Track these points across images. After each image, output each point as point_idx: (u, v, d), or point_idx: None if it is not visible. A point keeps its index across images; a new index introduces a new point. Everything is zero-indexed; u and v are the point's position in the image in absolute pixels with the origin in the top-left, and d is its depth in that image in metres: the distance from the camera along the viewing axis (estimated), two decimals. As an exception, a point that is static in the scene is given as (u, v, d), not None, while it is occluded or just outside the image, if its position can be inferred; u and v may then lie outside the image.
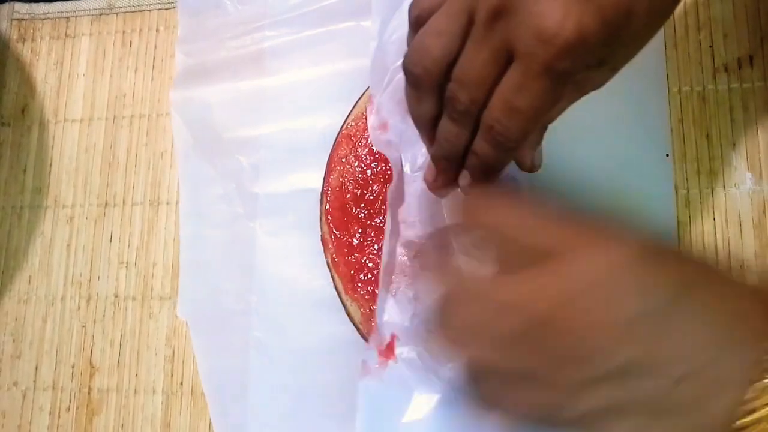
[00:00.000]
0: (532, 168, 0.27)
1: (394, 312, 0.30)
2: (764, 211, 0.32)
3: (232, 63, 0.38)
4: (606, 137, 0.33)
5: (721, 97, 0.33)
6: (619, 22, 0.21)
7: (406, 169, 0.32)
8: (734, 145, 0.33)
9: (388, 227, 0.31)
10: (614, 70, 0.24)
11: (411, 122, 0.31)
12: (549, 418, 0.21)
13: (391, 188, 0.32)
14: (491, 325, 0.21)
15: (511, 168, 0.33)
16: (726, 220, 0.32)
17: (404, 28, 0.32)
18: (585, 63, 0.22)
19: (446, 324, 0.23)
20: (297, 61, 0.37)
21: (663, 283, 0.20)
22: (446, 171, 0.26)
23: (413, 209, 0.31)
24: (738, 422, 0.19)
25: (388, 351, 0.30)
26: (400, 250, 0.31)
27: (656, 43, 0.34)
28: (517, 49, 0.22)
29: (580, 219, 0.22)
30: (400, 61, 0.31)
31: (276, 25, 0.38)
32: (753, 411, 0.19)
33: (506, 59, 0.22)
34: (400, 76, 0.31)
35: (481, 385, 0.23)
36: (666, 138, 0.33)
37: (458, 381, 0.23)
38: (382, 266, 0.31)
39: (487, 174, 0.25)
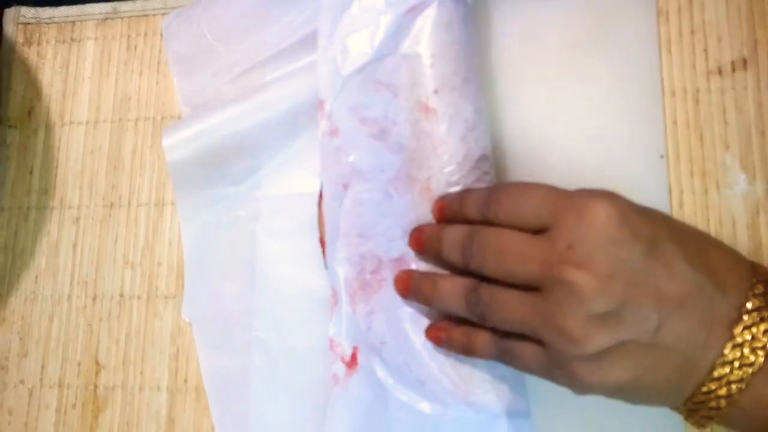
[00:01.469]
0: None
1: (353, 326, 0.31)
2: (758, 212, 0.32)
3: (231, 69, 0.38)
4: (601, 139, 0.34)
5: (715, 100, 0.34)
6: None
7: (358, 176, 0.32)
8: (728, 146, 0.33)
9: (338, 246, 0.32)
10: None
11: (363, 129, 0.31)
12: (564, 360, 0.23)
13: (331, 201, 0.32)
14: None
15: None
16: (720, 221, 0.33)
17: (354, 30, 0.31)
18: None
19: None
20: (297, 72, 0.37)
21: (635, 239, 0.22)
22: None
23: (368, 220, 0.31)
24: (714, 373, 0.22)
25: (352, 362, 0.31)
26: (358, 268, 0.31)
27: (651, 46, 0.34)
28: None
29: (564, 193, 0.25)
30: (353, 67, 0.31)
31: (273, 58, 0.37)
32: (728, 363, 0.22)
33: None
34: (354, 82, 0.31)
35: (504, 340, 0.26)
36: (660, 139, 0.33)
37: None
38: (341, 282, 0.31)
39: None
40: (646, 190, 0.33)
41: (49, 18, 0.43)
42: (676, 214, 0.33)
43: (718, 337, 0.22)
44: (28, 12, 0.43)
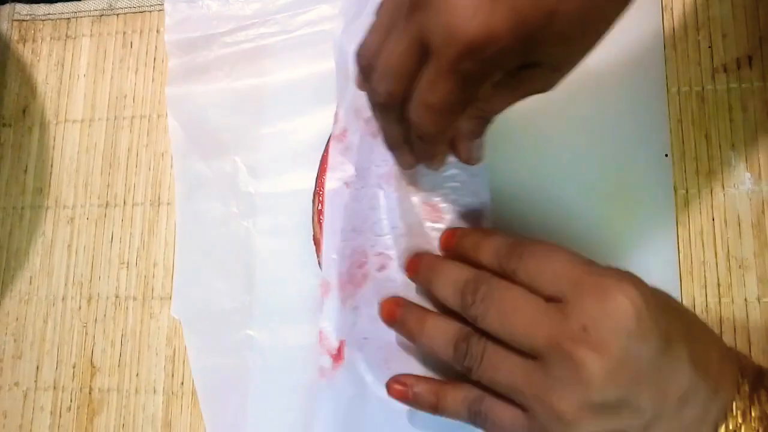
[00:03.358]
0: (468, 160, 0.27)
1: (341, 319, 0.31)
2: (763, 211, 0.32)
3: (227, 62, 0.38)
4: (605, 137, 0.33)
5: (720, 98, 0.33)
6: (537, 22, 0.20)
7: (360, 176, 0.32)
8: (733, 145, 0.33)
9: (335, 240, 0.32)
10: (558, 71, 0.24)
11: (366, 129, 0.32)
12: None
13: (337, 199, 0.32)
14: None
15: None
16: (725, 220, 0.32)
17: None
18: (499, 63, 0.21)
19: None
20: (292, 61, 0.37)
21: (651, 336, 0.22)
22: (401, 157, 0.28)
23: (361, 215, 0.32)
24: None
25: (337, 355, 0.31)
26: (348, 261, 0.31)
27: (655, 43, 0.34)
28: (430, 43, 0.21)
29: (589, 267, 0.24)
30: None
31: (270, 23, 0.38)
32: None
33: (423, 53, 0.21)
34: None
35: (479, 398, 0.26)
36: (665, 138, 0.33)
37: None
38: (335, 275, 0.31)
39: (429, 157, 0.27)
40: (651, 188, 0.33)
41: (45, 15, 0.43)
42: (681, 213, 0.33)
43: None
44: (23, 9, 0.43)
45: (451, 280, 0.26)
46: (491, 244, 0.26)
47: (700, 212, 0.33)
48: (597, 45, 0.24)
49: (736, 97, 0.33)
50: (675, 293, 0.31)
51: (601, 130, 0.34)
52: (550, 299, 0.24)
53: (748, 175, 0.32)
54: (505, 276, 0.25)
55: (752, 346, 0.31)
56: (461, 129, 0.26)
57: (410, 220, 0.31)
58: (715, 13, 0.34)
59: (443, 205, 0.30)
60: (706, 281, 0.32)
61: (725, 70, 0.34)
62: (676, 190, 0.33)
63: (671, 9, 0.34)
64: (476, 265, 0.26)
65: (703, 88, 0.34)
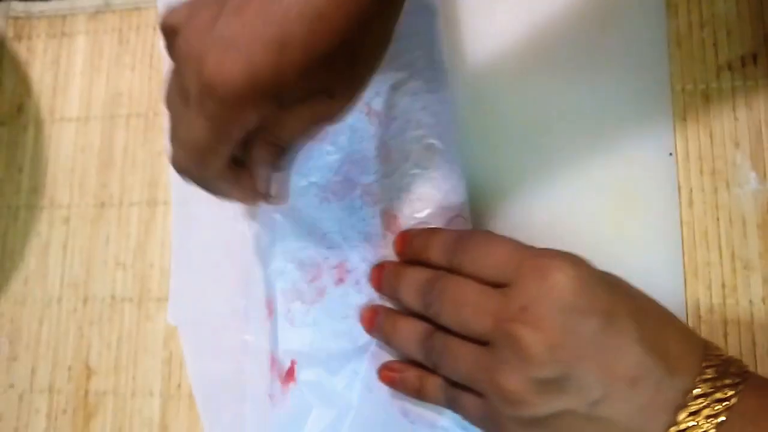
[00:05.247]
0: (265, 193, 0.28)
1: (293, 338, 0.30)
2: (768, 211, 0.32)
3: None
4: (609, 136, 0.33)
5: (725, 96, 0.33)
6: (276, 61, 0.21)
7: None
8: (738, 144, 0.32)
9: (277, 249, 0.31)
10: (343, 97, 0.24)
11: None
12: (500, 418, 0.24)
13: (264, 216, 0.31)
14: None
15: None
16: (730, 220, 0.32)
17: None
18: (242, 107, 0.22)
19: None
20: None
21: (591, 311, 0.22)
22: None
23: (305, 226, 0.31)
24: None
25: (288, 377, 0.30)
26: (295, 277, 0.31)
27: (659, 41, 0.34)
28: (188, 91, 0.23)
29: (529, 250, 0.25)
30: None
31: None
32: None
33: (186, 98, 0.24)
34: None
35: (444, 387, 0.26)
36: (669, 137, 0.33)
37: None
38: (278, 292, 0.31)
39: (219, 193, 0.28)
40: (655, 188, 0.32)
41: (40, 12, 0.42)
42: (685, 213, 0.32)
43: (659, 422, 0.22)
44: (18, 6, 0.42)
45: (411, 283, 0.27)
46: (438, 241, 0.27)
47: (705, 212, 0.32)
48: (368, 68, 0.24)
49: (741, 95, 0.33)
50: (679, 294, 0.31)
51: (605, 129, 0.33)
52: (496, 286, 0.24)
53: (753, 174, 0.32)
54: (455, 270, 0.26)
55: (757, 348, 0.31)
56: (255, 157, 0.26)
57: (368, 231, 0.30)
58: (719, 11, 0.34)
59: (405, 215, 0.29)
60: (710, 282, 0.32)
61: (730, 68, 0.33)
62: (680, 190, 0.32)
63: (675, 6, 0.34)
64: (429, 264, 0.27)
65: (707, 86, 0.33)
